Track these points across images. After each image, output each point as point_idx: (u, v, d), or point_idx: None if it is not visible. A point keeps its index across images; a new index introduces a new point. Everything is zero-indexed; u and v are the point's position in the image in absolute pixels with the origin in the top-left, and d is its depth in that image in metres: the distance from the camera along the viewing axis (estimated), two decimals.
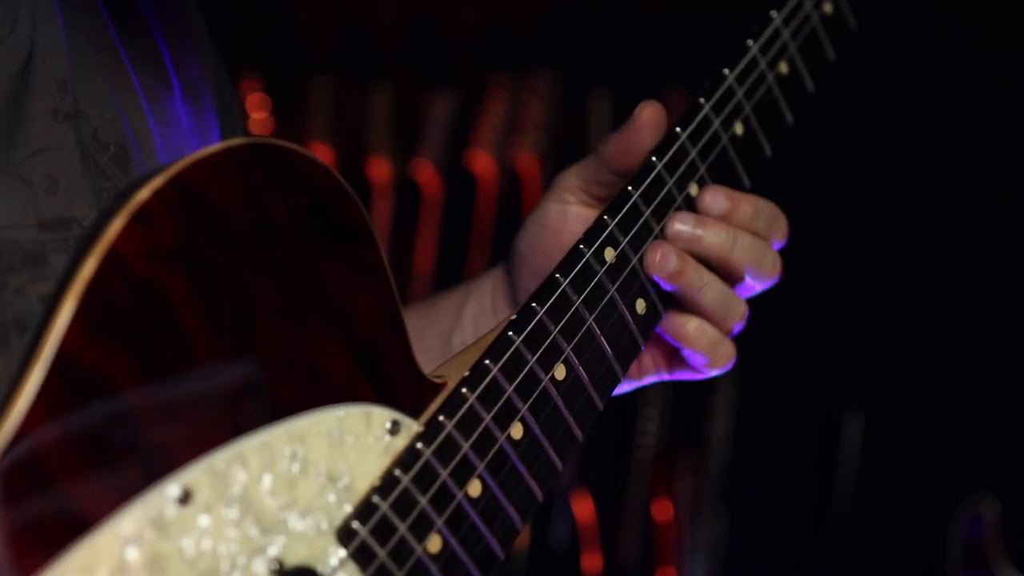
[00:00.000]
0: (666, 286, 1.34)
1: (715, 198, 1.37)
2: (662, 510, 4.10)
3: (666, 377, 1.42)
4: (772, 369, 4.23)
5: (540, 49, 4.39)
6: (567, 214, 1.45)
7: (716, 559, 4.10)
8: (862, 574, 4.18)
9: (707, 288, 1.35)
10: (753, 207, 1.39)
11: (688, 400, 4.17)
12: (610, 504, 4.13)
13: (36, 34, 1.23)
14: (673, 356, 1.41)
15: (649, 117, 1.39)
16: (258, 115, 4.29)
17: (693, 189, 1.38)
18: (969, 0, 4.04)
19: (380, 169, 4.37)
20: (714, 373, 1.40)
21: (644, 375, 1.43)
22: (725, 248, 1.36)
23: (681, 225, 1.35)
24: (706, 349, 1.37)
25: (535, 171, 4.32)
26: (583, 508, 4.11)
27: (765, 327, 3.98)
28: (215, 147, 1.09)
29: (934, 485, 4.06)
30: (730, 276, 1.38)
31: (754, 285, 1.40)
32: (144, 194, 1.04)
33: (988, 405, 4.06)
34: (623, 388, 1.41)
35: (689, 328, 1.36)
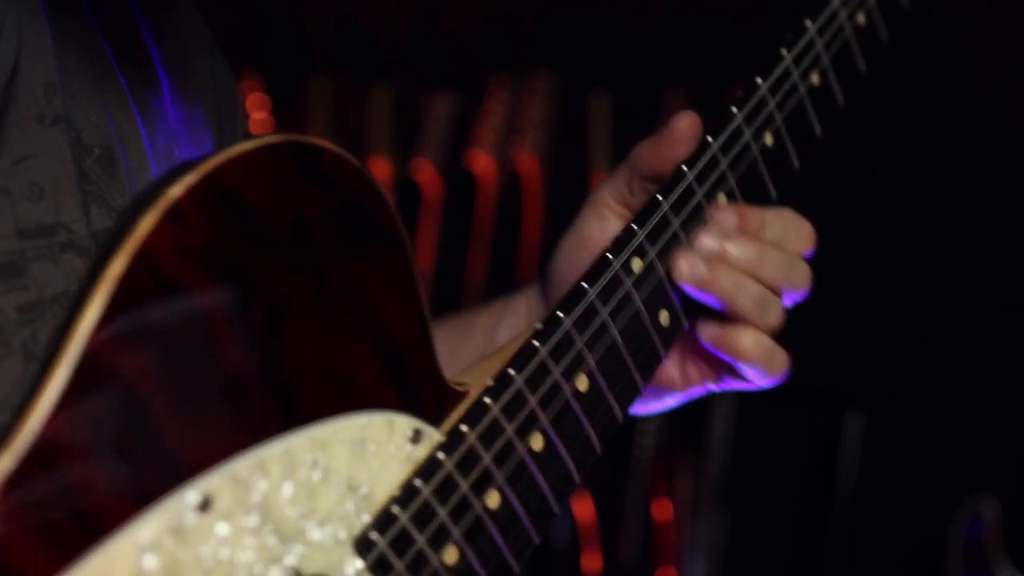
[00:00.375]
0: (699, 295, 1.31)
1: (725, 216, 1.34)
2: (662, 510, 4.10)
3: (715, 389, 1.38)
4: None
5: (540, 49, 4.39)
6: (604, 230, 1.39)
7: (716, 559, 4.10)
8: (862, 574, 4.18)
9: (741, 290, 1.30)
10: (764, 221, 1.36)
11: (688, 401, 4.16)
12: (610, 504, 4.12)
13: (22, 40, 1.21)
14: (721, 368, 1.36)
15: (686, 128, 1.36)
16: (258, 115, 4.29)
17: (722, 200, 1.36)
18: (981, 3, 4.04)
19: (380, 169, 4.36)
20: (770, 383, 1.36)
21: (690, 387, 1.38)
22: (751, 261, 1.32)
23: (708, 240, 1.31)
24: (763, 360, 1.33)
25: (535, 171, 4.32)
26: (583, 508, 4.11)
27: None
28: (250, 143, 1.06)
29: (934, 485, 4.05)
30: None
31: (784, 299, 1.36)
32: (177, 191, 1.01)
33: (988, 405, 4.06)
34: (667, 404, 1.38)
35: (744, 342, 1.31)
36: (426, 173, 4.34)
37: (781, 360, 1.35)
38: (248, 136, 1.57)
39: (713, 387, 1.38)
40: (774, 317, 1.33)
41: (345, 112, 4.38)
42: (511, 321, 1.48)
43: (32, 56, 1.21)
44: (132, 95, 1.29)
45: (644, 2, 4.32)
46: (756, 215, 1.35)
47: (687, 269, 1.30)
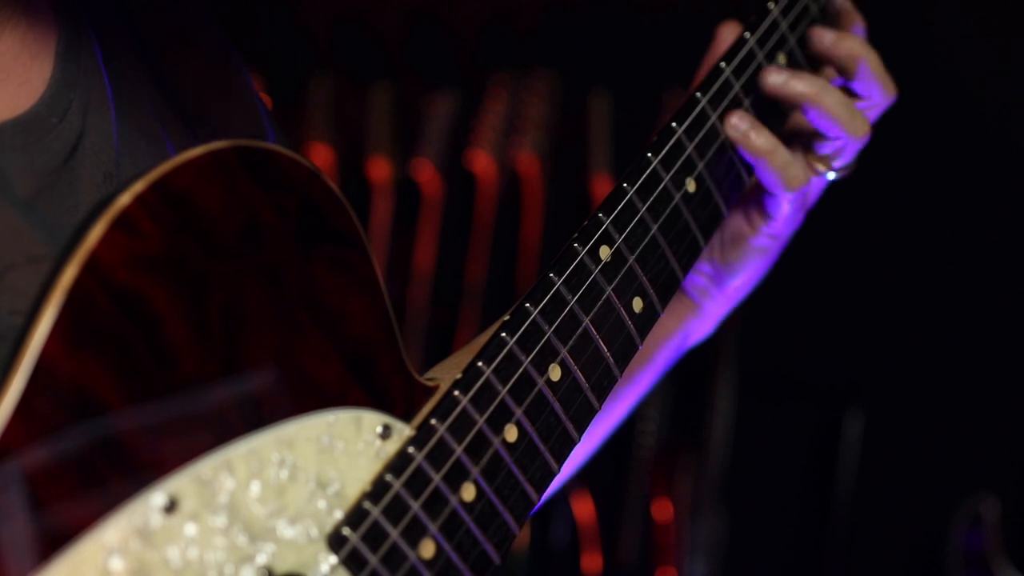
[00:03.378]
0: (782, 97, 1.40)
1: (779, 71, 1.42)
2: (662, 510, 4.10)
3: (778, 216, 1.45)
4: (772, 369, 4.23)
5: (540, 49, 4.39)
6: None
7: (716, 559, 4.09)
8: (862, 574, 4.17)
9: (824, 92, 1.40)
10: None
11: (688, 400, 4.16)
12: (610, 504, 4.12)
13: (86, 124, 1.22)
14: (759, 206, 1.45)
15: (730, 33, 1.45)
16: None
17: (691, 185, 1.36)
18: (981, 3, 4.03)
19: (380, 169, 4.36)
20: (854, 147, 1.44)
21: (755, 233, 1.47)
22: (811, 93, 1.40)
23: (774, 76, 1.41)
24: (847, 115, 1.41)
25: (535, 171, 4.31)
26: (583, 508, 4.11)
27: (766, 327, 3.98)
28: (198, 150, 1.06)
29: (934, 485, 4.05)
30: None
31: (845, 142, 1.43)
32: (125, 199, 1.02)
33: (988, 405, 4.06)
34: (759, 258, 1.48)
35: (830, 103, 1.40)
36: (426, 173, 4.34)
37: (862, 123, 1.43)
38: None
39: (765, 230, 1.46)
40: (861, 125, 1.43)
41: (345, 112, 4.38)
42: None
43: (95, 142, 1.23)
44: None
45: (644, 2, 4.31)
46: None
47: (769, 78, 1.40)
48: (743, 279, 1.50)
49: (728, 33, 1.49)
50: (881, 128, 1.50)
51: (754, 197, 1.46)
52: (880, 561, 4.16)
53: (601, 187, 4.25)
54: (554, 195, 4.32)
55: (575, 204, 4.31)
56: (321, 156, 4.31)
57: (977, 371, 4.06)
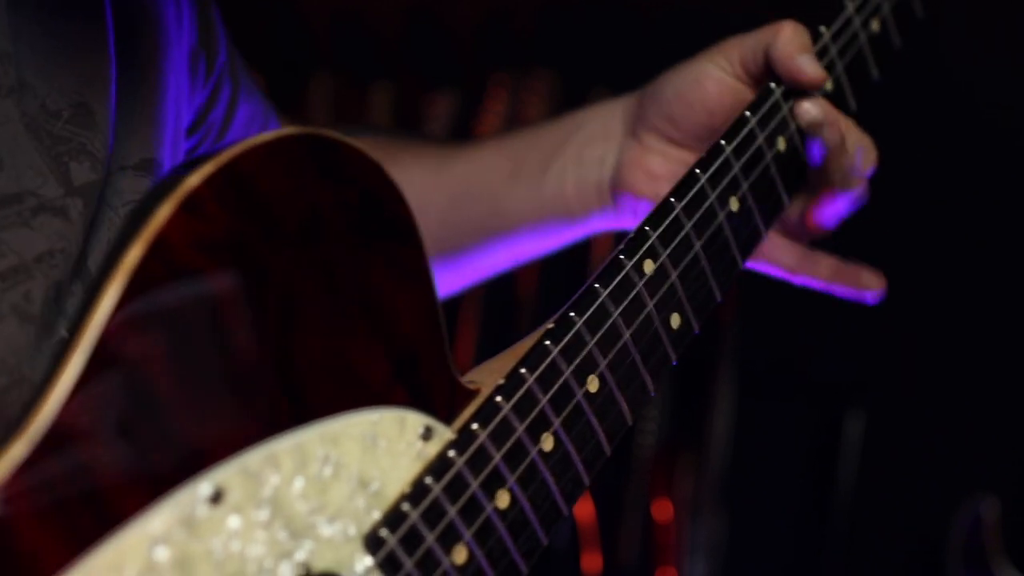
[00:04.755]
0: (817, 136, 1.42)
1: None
2: (662, 510, 4.10)
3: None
4: (773, 369, 4.23)
5: (540, 49, 4.38)
6: (723, 82, 1.47)
7: (716, 559, 4.09)
8: (862, 574, 4.18)
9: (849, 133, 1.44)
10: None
11: (688, 400, 4.16)
12: (610, 504, 4.12)
13: None
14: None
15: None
16: None
17: (734, 204, 1.36)
18: (978, 3, 4.04)
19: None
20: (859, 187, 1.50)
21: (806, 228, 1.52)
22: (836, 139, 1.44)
23: (811, 106, 1.43)
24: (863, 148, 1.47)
25: None
26: (583, 508, 4.11)
27: (766, 327, 3.98)
28: (268, 135, 1.06)
29: (934, 485, 4.05)
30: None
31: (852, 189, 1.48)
32: (194, 180, 1.02)
33: (988, 405, 4.06)
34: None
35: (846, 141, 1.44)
36: None
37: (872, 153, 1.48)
38: (278, 121, 1.57)
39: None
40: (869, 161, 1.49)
41: (345, 111, 4.38)
42: (587, 127, 1.55)
43: None
44: (99, 46, 1.27)
45: (644, 2, 4.31)
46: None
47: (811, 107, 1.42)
48: None
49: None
50: (885, 128, 1.52)
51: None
52: (880, 561, 4.16)
53: None
54: None
55: None
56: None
57: (977, 371, 4.07)
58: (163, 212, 1.00)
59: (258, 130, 1.56)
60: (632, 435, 4.11)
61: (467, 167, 1.60)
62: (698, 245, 1.32)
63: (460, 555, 1.12)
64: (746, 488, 4.16)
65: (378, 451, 1.10)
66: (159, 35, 1.36)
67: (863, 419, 4.08)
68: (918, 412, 4.10)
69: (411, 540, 1.10)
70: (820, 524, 4.09)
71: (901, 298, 4.15)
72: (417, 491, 1.11)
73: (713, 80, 1.46)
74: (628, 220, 1.52)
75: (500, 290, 4.27)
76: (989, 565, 3.81)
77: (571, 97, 4.32)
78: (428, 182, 1.60)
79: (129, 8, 1.33)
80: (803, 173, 1.45)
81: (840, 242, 4.30)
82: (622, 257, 1.26)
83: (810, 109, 1.41)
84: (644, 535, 4.10)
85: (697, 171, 1.33)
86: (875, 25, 1.50)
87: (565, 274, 3.86)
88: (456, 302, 4.25)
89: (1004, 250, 4.09)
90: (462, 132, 4.34)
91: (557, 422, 1.19)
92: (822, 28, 1.45)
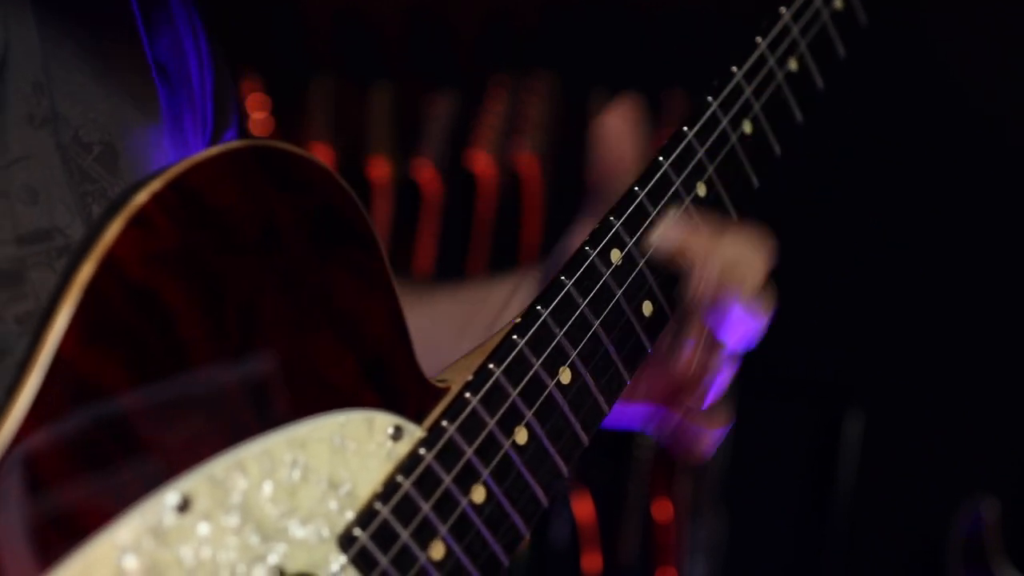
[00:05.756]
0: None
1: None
2: (662, 510, 4.10)
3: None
4: (772, 369, 4.22)
5: (540, 49, 4.39)
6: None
7: (716, 559, 4.09)
8: (862, 574, 4.18)
9: (712, 258, 1.28)
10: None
11: None
12: (610, 504, 4.12)
13: (9, 36, 1.21)
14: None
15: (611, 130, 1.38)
16: (258, 115, 4.29)
17: (701, 189, 1.35)
18: (978, 3, 4.04)
19: (380, 169, 4.36)
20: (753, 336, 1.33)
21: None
22: (701, 255, 1.29)
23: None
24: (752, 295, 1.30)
25: (535, 171, 4.31)
26: (583, 508, 4.11)
27: (765, 327, 3.98)
28: (215, 149, 1.07)
29: (934, 485, 4.05)
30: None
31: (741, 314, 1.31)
32: (142, 198, 1.02)
33: (988, 405, 4.06)
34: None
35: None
36: (426, 173, 4.34)
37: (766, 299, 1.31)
38: (248, 136, 1.57)
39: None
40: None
41: (345, 112, 4.38)
42: (528, 285, 1.46)
43: (19, 55, 1.21)
44: (130, 89, 1.29)
45: (644, 2, 4.31)
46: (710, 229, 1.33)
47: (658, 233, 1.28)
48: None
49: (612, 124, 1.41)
50: (882, 128, 1.50)
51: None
52: (880, 561, 4.16)
53: None
54: (554, 195, 4.32)
55: (575, 204, 4.30)
56: (321, 156, 4.30)
57: (977, 371, 4.06)
58: (113, 229, 1.01)
59: None
60: (632, 435, 4.11)
61: (423, 314, 1.52)
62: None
63: (437, 550, 1.13)
64: (746, 488, 4.15)
65: (347, 453, 1.10)
66: (186, 92, 1.38)
67: (863, 419, 4.08)
68: (918, 412, 4.10)
69: (385, 538, 1.10)
70: (820, 524, 4.09)
71: (901, 298, 4.16)
72: (388, 489, 1.11)
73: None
74: None
75: None
76: (989, 565, 3.81)
77: (571, 97, 4.32)
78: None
79: (163, 58, 1.35)
80: (771, 154, 1.44)
81: (839, 243, 4.31)
82: (587, 248, 1.26)
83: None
84: (644, 535, 4.11)
85: (660, 158, 1.33)
86: (838, 3, 1.49)
87: None
88: None
89: (1003, 250, 4.09)
90: (462, 132, 4.34)
91: (529, 414, 1.20)
92: (782, 9, 1.44)
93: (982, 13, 4.00)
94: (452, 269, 4.29)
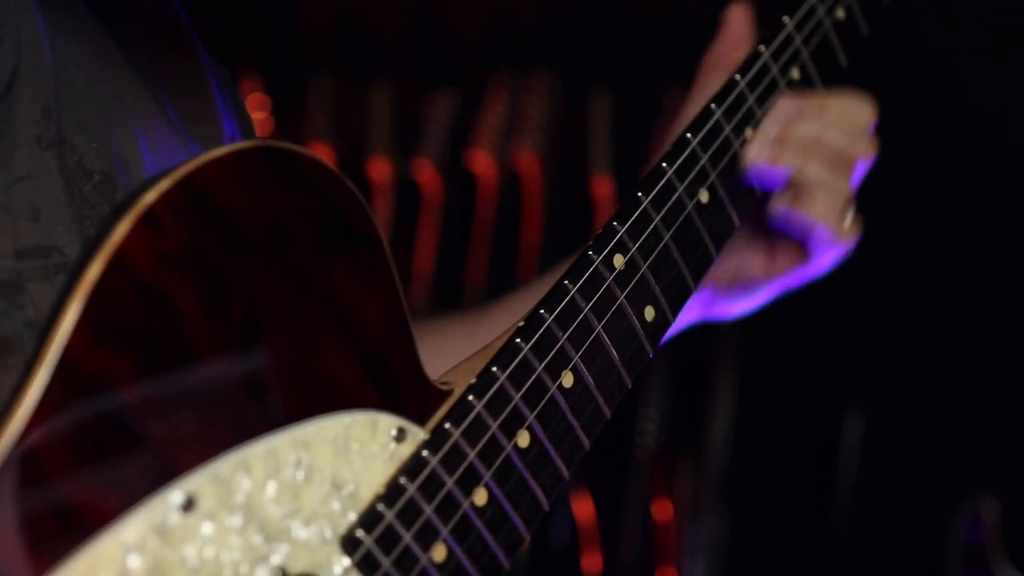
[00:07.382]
0: (769, 174, 1.40)
1: (785, 104, 1.43)
2: (662, 510, 4.10)
3: (792, 280, 1.51)
4: (772, 369, 4.23)
5: (540, 49, 4.39)
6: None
7: (716, 559, 4.10)
8: (862, 574, 4.18)
9: (808, 160, 1.40)
10: (824, 104, 1.45)
11: (688, 400, 4.17)
12: (610, 504, 4.13)
13: (20, 59, 1.22)
14: (793, 250, 1.48)
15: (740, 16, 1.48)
16: (258, 115, 4.29)
17: (704, 195, 1.37)
18: (975, 1, 4.04)
19: (380, 169, 4.37)
20: (843, 251, 1.50)
21: (772, 276, 1.50)
22: (814, 136, 1.42)
23: (771, 125, 1.42)
24: (835, 219, 1.44)
25: (535, 171, 4.32)
26: (583, 508, 4.11)
27: (765, 327, 3.98)
28: (223, 149, 1.08)
29: (934, 485, 4.06)
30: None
31: (854, 168, 1.45)
32: (150, 197, 1.03)
33: (988, 405, 4.06)
34: (757, 301, 1.51)
35: (816, 206, 1.42)
36: (426, 173, 4.34)
37: (853, 221, 1.46)
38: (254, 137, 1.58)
39: (790, 272, 1.50)
40: (843, 182, 1.43)
41: (345, 112, 4.39)
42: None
43: (30, 77, 1.22)
44: (137, 122, 1.30)
45: (644, 2, 4.32)
46: (816, 99, 1.44)
47: (755, 152, 1.39)
48: (731, 310, 1.54)
49: (738, 17, 1.51)
50: (881, 130, 1.51)
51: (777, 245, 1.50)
52: (880, 561, 4.16)
53: (601, 187, 4.26)
54: (554, 195, 4.32)
55: (575, 204, 4.31)
56: (321, 156, 4.31)
57: (977, 371, 4.07)
58: (121, 228, 1.01)
59: None
60: (632, 435, 4.12)
61: (493, 326, 1.58)
62: (667, 237, 1.33)
63: (439, 553, 1.13)
64: (746, 488, 4.16)
65: (351, 454, 1.11)
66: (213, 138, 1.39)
67: (863, 420, 4.08)
68: (918, 413, 4.10)
69: (388, 540, 1.10)
70: (820, 524, 4.10)
71: (901, 299, 4.16)
72: (392, 492, 1.11)
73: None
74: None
75: (501, 290, 4.27)
76: (989, 565, 3.81)
77: (571, 97, 4.32)
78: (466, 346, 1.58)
79: (180, 90, 1.37)
80: None
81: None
82: (591, 253, 1.27)
83: (751, 153, 1.41)
84: (644, 535, 4.11)
85: (663, 164, 1.34)
86: (840, 13, 1.51)
87: None
88: (455, 303, 4.25)
89: (1004, 250, 4.09)
90: (462, 132, 4.35)
91: (531, 417, 1.20)
92: (784, 18, 1.45)
93: (983, 24, 4.00)
94: (452, 269, 4.30)
